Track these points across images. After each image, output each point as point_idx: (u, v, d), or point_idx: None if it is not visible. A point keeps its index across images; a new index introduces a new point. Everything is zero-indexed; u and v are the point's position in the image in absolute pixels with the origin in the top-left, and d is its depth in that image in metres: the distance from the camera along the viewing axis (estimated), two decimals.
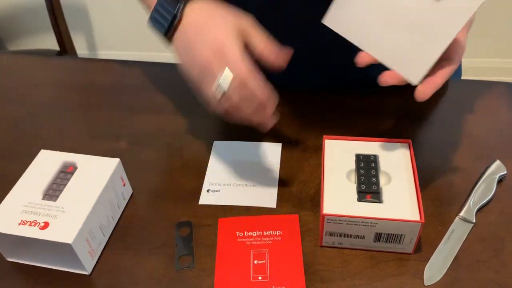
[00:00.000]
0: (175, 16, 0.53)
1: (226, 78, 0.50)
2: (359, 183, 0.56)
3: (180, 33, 0.54)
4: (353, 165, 0.59)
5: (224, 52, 0.50)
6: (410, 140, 0.61)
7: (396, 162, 0.59)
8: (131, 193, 0.64)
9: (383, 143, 0.61)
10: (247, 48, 0.53)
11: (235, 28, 0.52)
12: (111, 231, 0.60)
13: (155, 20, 0.55)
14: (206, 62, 0.51)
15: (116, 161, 0.60)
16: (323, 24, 0.56)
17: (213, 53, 0.50)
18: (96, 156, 0.60)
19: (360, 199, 0.55)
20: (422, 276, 0.54)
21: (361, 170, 0.58)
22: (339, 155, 0.60)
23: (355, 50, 0.58)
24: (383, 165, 0.59)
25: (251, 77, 0.50)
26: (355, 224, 0.53)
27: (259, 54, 0.53)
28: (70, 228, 0.53)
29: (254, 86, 0.51)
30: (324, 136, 0.62)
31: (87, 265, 0.55)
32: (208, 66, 0.51)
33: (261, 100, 0.52)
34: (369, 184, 0.56)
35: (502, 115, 0.72)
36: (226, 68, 0.50)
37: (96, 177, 0.58)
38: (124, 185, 0.62)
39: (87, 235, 0.54)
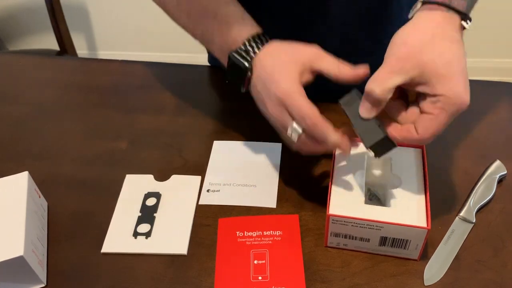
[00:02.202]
0: (246, 71, 0.56)
1: (297, 126, 0.53)
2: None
3: (252, 87, 0.57)
4: (363, 167, 0.58)
5: (288, 105, 0.53)
6: (424, 146, 0.60)
7: (407, 167, 0.58)
8: (47, 204, 0.63)
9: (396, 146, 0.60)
10: (322, 74, 0.55)
11: (298, 69, 0.54)
12: (46, 242, 0.59)
13: (231, 76, 0.58)
14: (276, 117, 0.54)
15: (25, 174, 0.59)
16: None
17: (279, 109, 0.53)
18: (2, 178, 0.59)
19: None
20: (422, 276, 0.54)
21: None
22: (351, 155, 0.59)
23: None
24: (395, 169, 0.58)
25: (318, 120, 0.52)
26: (360, 226, 0.53)
27: (335, 78, 0.55)
28: (14, 242, 0.51)
29: (322, 126, 0.53)
30: None
31: (41, 276, 0.54)
32: (278, 120, 0.54)
33: (332, 140, 0.53)
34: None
35: (502, 115, 0.72)
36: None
37: (15, 192, 0.57)
38: (39, 197, 0.61)
39: (32, 246, 0.53)
